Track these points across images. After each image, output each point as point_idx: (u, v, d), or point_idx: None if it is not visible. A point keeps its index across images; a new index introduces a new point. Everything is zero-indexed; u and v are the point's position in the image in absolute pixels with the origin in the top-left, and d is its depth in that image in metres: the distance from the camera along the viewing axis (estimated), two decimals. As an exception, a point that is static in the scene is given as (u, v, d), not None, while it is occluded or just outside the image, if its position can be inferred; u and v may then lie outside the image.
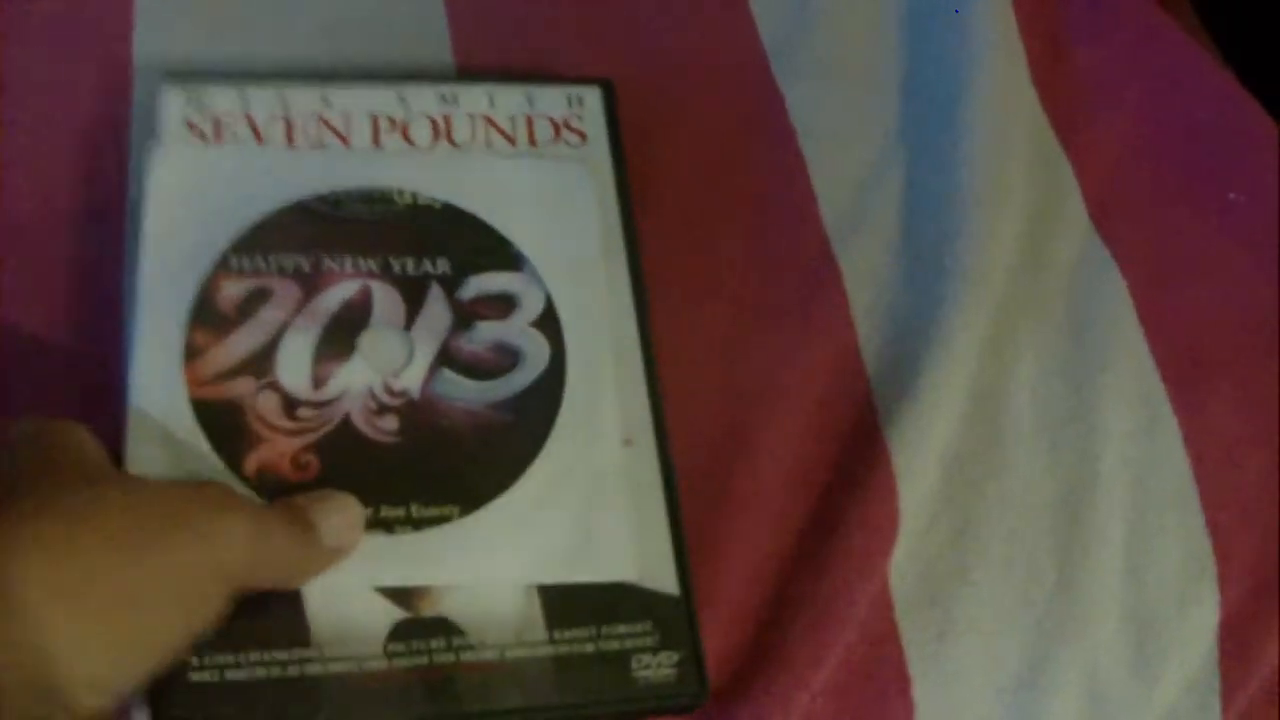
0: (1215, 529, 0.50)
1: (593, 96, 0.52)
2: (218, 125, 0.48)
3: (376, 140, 0.49)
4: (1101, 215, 0.55)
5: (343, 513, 0.40)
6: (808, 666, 0.45)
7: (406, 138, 0.49)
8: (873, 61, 0.58)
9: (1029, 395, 0.51)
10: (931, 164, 0.55)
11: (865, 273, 0.52)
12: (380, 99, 0.50)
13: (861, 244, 0.53)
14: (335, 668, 0.39)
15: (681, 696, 0.42)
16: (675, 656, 0.42)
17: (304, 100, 0.49)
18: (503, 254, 0.47)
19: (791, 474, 0.48)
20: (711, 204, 0.53)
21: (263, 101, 0.49)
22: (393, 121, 0.50)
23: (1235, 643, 0.49)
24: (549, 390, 0.45)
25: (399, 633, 0.40)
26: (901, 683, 0.47)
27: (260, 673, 0.38)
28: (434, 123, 0.50)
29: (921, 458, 0.48)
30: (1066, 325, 0.53)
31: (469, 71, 0.54)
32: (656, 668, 0.41)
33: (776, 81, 0.57)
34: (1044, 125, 0.57)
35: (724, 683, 0.45)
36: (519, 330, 0.46)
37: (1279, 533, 0.51)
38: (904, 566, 0.48)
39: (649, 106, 0.55)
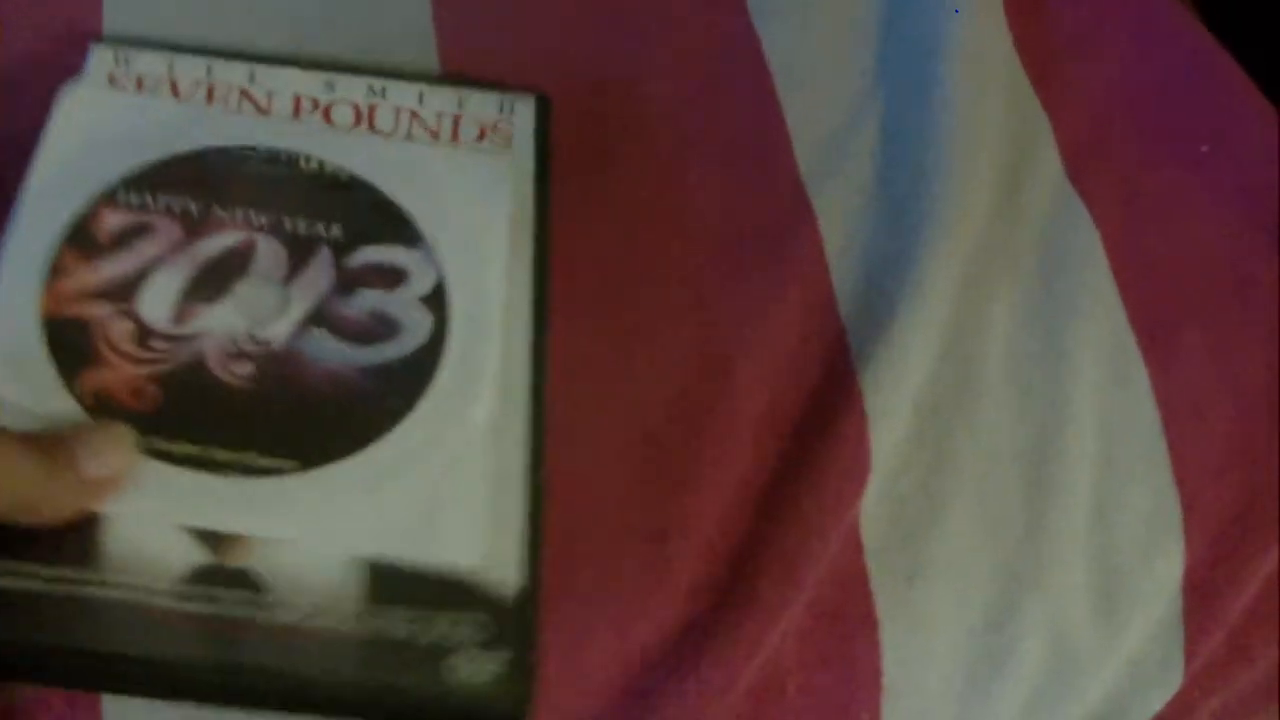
0: (1182, 480, 0.50)
1: (525, 105, 0.51)
2: (140, 82, 0.49)
3: (296, 116, 0.49)
4: (1075, 166, 0.55)
5: (109, 443, 0.38)
6: (778, 606, 0.45)
7: (327, 118, 0.49)
8: (851, 3, 0.58)
9: (1002, 342, 0.51)
10: (908, 108, 0.54)
11: (840, 215, 0.52)
12: (307, 83, 0.50)
13: (836, 187, 0.53)
14: (118, 595, 0.37)
15: (497, 702, 0.38)
16: (502, 657, 0.38)
17: (231, 73, 0.50)
18: (401, 229, 0.46)
19: (766, 413, 0.48)
20: (686, 144, 0.53)
21: (189, 68, 0.49)
22: (315, 103, 0.50)
23: (1199, 595, 0.50)
24: (422, 365, 0.44)
25: (198, 576, 0.38)
26: (869, 624, 0.47)
27: (36, 585, 0.37)
28: (357, 110, 0.50)
29: (895, 400, 0.48)
30: (1039, 274, 0.53)
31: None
32: (475, 666, 0.38)
33: (753, 23, 0.56)
34: (1020, 74, 0.57)
35: (695, 618, 0.44)
36: (403, 303, 0.45)
37: (1245, 485, 0.51)
38: (874, 509, 0.48)
39: (624, 45, 0.54)
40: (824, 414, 0.48)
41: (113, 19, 0.53)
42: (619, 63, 0.54)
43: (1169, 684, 0.50)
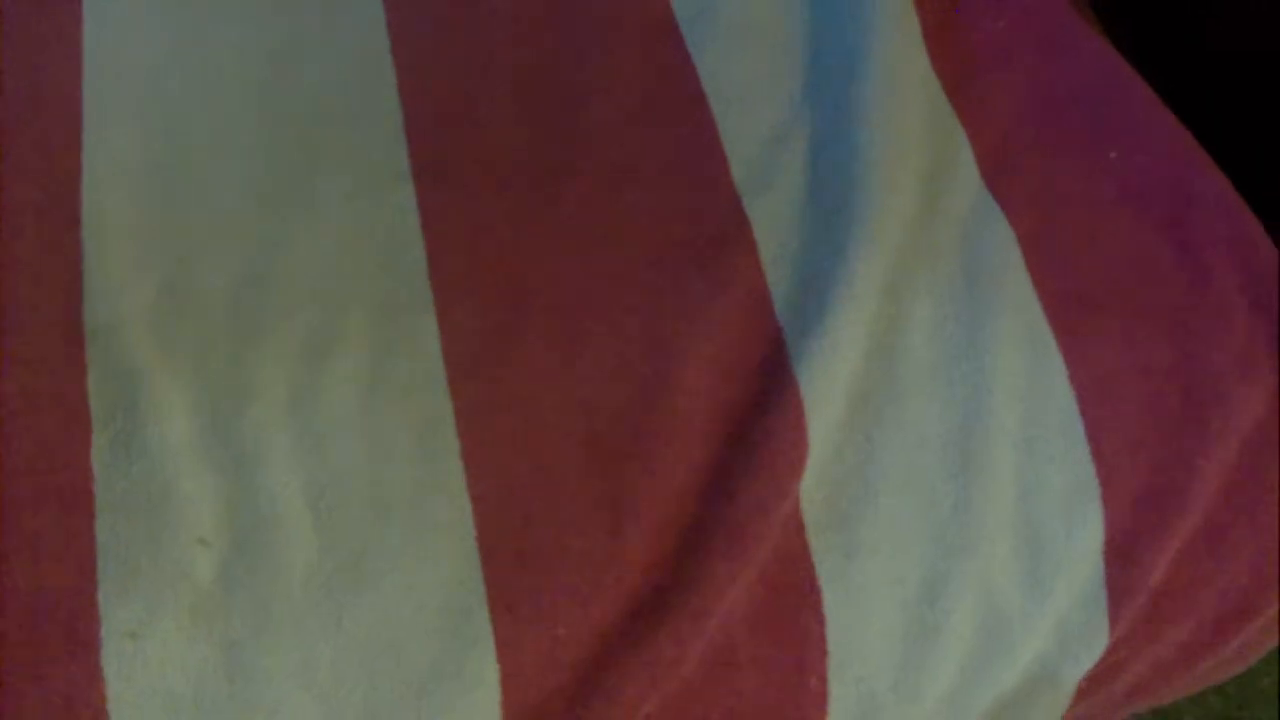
0: (1099, 455, 0.56)
1: None
2: None
3: None
4: (991, 172, 0.61)
5: None
6: (726, 579, 0.51)
7: None
8: (779, 28, 0.64)
9: (926, 335, 0.57)
10: (834, 125, 0.61)
11: (774, 225, 0.58)
12: None
13: (770, 199, 0.59)
14: None
15: None
16: None
17: None
18: None
19: (709, 404, 0.54)
20: (627, 163, 0.60)
21: None
22: None
23: (1120, 561, 0.56)
24: None
25: None
26: (813, 597, 0.52)
27: None
28: None
29: (828, 390, 0.54)
30: (960, 272, 0.59)
31: None
32: None
33: (688, 50, 0.62)
34: (937, 90, 0.63)
35: (649, 594, 0.50)
36: None
37: (1159, 457, 0.56)
38: (813, 491, 0.53)
39: (568, 74, 0.60)
40: (763, 403, 0.54)
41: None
42: (563, 90, 0.60)
43: (1096, 646, 0.56)
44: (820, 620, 0.52)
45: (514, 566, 0.50)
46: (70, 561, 0.48)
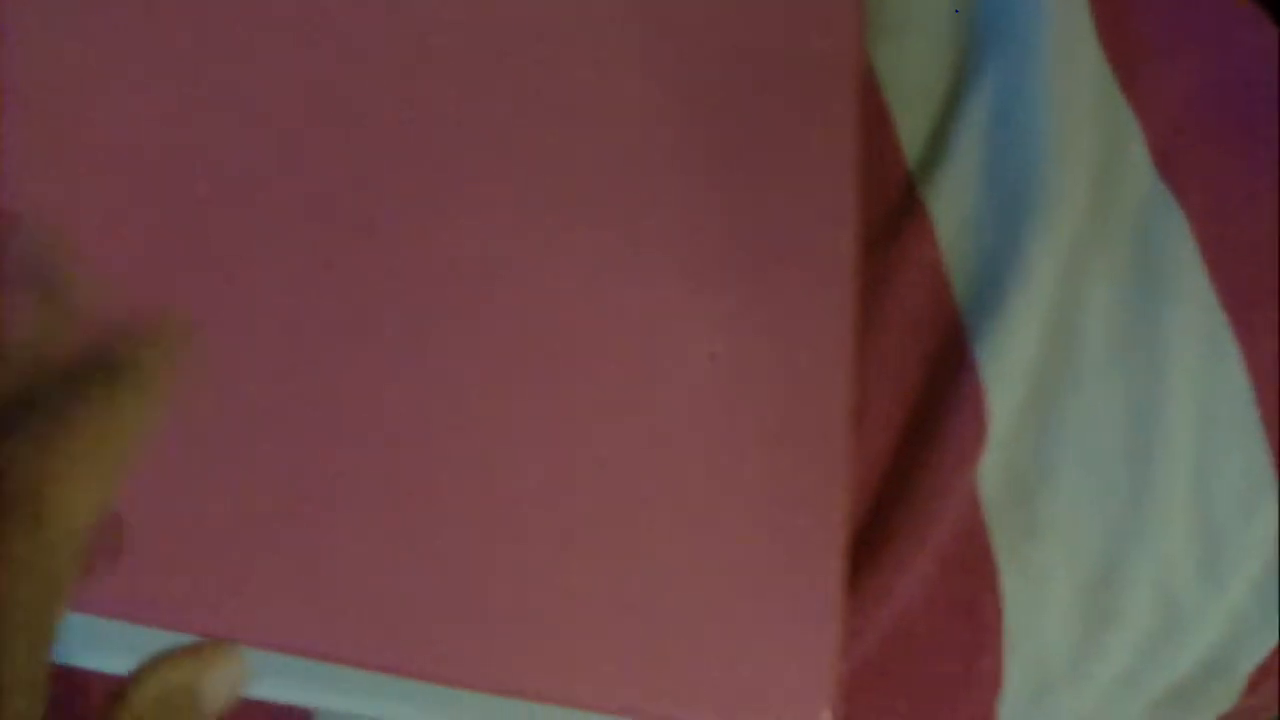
0: (1276, 447, 0.56)
1: None
2: None
3: None
4: (1163, 160, 0.62)
5: None
6: (905, 562, 0.52)
7: None
8: (949, 15, 0.65)
9: (1101, 322, 0.58)
10: (1007, 107, 0.62)
11: (950, 205, 0.59)
12: None
13: (946, 180, 0.60)
14: None
15: None
16: None
17: None
18: None
19: (890, 387, 0.55)
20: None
21: None
22: None
23: (1295, 554, 0.56)
24: None
25: None
26: (991, 577, 0.53)
27: None
28: None
29: (1008, 372, 0.55)
30: (1133, 260, 0.59)
31: None
32: None
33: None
34: (1108, 76, 0.64)
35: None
36: None
37: None
38: (991, 472, 0.55)
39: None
40: (943, 384, 0.55)
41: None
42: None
43: (1268, 638, 0.56)
44: (997, 600, 0.53)
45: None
46: None
